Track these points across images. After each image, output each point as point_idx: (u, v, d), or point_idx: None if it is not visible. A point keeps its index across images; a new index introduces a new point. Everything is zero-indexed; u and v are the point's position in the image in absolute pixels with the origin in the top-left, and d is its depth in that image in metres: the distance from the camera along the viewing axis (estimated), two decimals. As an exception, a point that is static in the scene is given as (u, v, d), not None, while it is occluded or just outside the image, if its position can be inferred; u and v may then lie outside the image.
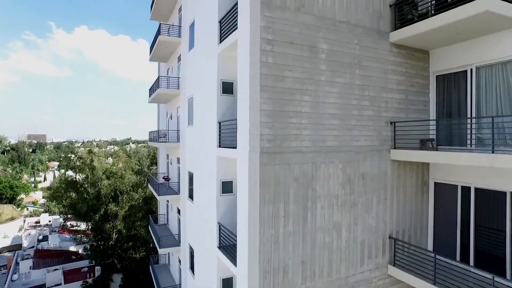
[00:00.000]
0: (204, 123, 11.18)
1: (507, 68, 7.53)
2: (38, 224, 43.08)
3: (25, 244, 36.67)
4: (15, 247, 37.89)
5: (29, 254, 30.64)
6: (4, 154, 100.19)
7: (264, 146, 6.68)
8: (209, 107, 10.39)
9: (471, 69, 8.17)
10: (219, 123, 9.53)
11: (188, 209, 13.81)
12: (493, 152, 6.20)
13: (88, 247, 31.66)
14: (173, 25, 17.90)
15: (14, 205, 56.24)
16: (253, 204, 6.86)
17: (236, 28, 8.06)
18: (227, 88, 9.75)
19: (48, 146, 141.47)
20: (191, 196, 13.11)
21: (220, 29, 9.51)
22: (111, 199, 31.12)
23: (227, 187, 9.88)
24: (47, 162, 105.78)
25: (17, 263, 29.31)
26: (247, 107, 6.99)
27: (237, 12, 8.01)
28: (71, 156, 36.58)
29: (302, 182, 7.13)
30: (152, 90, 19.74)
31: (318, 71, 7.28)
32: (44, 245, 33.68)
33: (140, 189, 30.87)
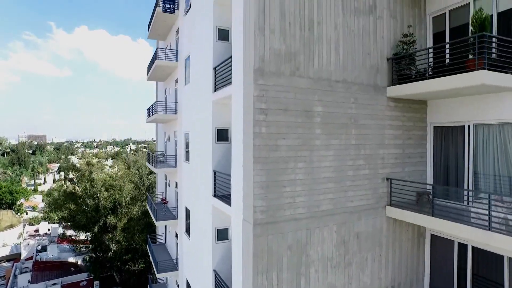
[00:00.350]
0: (199, 165, 11.09)
1: (504, 129, 7.43)
2: (37, 233, 43.11)
3: (24, 254, 36.73)
4: (14, 256, 37.97)
5: (27, 267, 30.63)
6: (4, 156, 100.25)
7: (258, 218, 6.59)
8: (204, 151, 10.29)
9: (469, 126, 8.08)
10: (214, 172, 9.44)
11: (185, 243, 13.76)
12: (489, 229, 6.13)
13: (88, 259, 31.67)
14: (170, 48, 17.77)
15: (14, 210, 56.29)
16: (246, 274, 6.78)
17: (231, 82, 7.95)
18: (223, 135, 9.65)
19: (48, 147, 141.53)
20: (187, 232, 13.05)
21: (215, 76, 9.39)
22: (110, 211, 31.09)
23: (222, 234, 9.81)
24: (47, 164, 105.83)
25: (15, 276, 29.36)
26: (241, 177, 6.90)
27: (231, 64, 7.89)
28: (71, 159, 36.33)
29: (295, 250, 7.05)
30: (149, 111, 19.64)
31: (313, 135, 7.18)
32: (43, 256, 33.70)
33: (139, 202, 30.81)
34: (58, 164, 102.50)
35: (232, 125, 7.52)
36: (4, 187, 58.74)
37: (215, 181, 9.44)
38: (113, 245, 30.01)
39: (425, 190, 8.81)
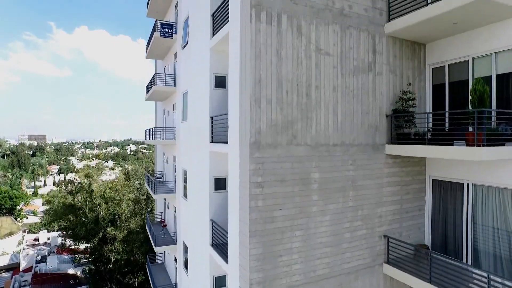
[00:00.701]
0: (198, 209, 11.04)
1: (503, 193, 7.38)
2: (36, 242, 43.16)
3: (23, 264, 36.77)
4: (13, 265, 38.04)
5: (26, 280, 30.68)
6: (4, 158, 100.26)
7: (254, 290, 6.56)
8: (202, 198, 10.24)
9: (468, 184, 8.03)
10: (212, 222, 9.40)
11: (183, 275, 13.76)
12: (487, 307, 6.11)
13: (87, 270, 31.73)
14: (168, 73, 17.69)
15: (13, 215, 56.34)
16: None
17: (227, 142, 7.87)
18: (220, 184, 9.60)
19: (48, 148, 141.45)
20: (186, 267, 13.04)
21: (212, 126, 9.33)
22: (109, 223, 31.12)
23: (220, 281, 9.79)
24: (47, 166, 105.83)
25: (14, 290, 29.47)
26: (237, 246, 6.86)
27: (227, 123, 7.81)
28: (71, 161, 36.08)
29: (292, 318, 7.03)
30: (148, 133, 19.60)
31: (310, 202, 7.12)
32: (42, 267, 33.73)
33: (138, 216, 30.82)
34: (58, 166, 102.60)
35: (228, 192, 7.47)
36: (4, 192, 58.73)
37: (212, 230, 9.41)
38: (112, 256, 30.05)
39: (423, 243, 8.79)
